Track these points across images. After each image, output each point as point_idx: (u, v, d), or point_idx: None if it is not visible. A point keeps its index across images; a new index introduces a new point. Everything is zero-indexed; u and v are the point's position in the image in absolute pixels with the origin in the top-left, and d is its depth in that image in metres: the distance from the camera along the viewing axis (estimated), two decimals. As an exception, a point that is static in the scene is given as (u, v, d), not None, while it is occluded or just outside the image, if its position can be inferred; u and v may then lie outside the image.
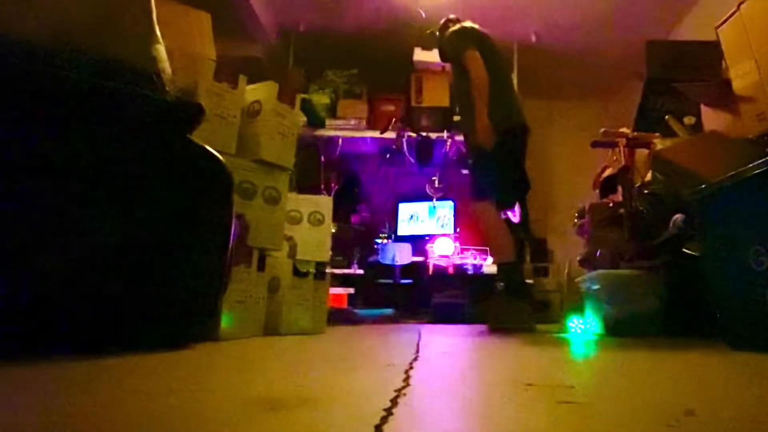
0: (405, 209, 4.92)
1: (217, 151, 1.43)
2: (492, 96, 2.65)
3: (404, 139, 4.44)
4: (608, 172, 3.08)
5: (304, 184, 3.91)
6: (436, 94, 4.55)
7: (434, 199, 4.73)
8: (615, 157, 2.91)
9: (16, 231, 1.07)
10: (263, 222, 2.02)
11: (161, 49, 1.35)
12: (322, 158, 4.54)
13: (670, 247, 2.34)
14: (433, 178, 4.70)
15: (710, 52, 2.49)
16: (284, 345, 1.75)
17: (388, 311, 3.91)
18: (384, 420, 0.57)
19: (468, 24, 2.96)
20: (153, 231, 1.25)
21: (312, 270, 2.29)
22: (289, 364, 1.27)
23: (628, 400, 0.79)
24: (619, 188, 2.89)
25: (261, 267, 1.99)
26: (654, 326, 2.24)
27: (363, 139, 4.57)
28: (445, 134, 4.43)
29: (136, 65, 1.27)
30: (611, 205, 3.03)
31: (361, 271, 4.36)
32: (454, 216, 4.71)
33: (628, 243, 2.60)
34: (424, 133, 4.39)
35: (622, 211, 2.75)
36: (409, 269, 4.52)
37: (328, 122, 4.46)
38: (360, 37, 4.53)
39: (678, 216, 2.29)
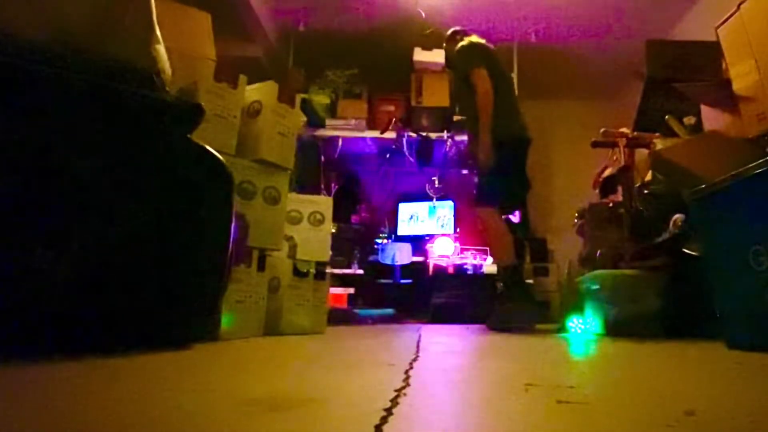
0: (405, 209, 4.92)
1: (217, 151, 1.43)
2: (497, 111, 2.79)
3: (404, 139, 4.44)
4: (608, 172, 3.08)
5: (304, 184, 3.91)
6: (436, 94, 4.54)
7: (434, 199, 4.73)
8: (615, 157, 2.91)
9: (14, 231, 1.07)
10: (263, 222, 2.02)
11: (161, 49, 1.35)
12: (322, 158, 4.54)
13: (670, 247, 2.34)
14: (433, 178, 4.70)
15: (710, 52, 2.49)
16: (284, 345, 1.75)
17: (388, 311, 3.90)
18: (384, 420, 0.57)
19: (475, 39, 3.08)
20: (153, 231, 1.25)
21: (312, 270, 2.28)
22: (289, 364, 1.27)
23: (628, 400, 0.79)
24: (619, 188, 2.89)
25: (261, 267, 1.99)
26: (654, 326, 2.24)
27: (363, 139, 4.57)
28: (445, 134, 4.42)
29: (136, 65, 1.27)
30: (611, 205, 3.03)
31: (361, 271, 4.36)
32: (454, 216, 4.71)
33: (628, 243, 2.60)
34: (424, 133, 4.39)
35: (622, 211, 2.75)
36: (409, 269, 4.51)
37: (328, 122, 4.46)
38: (360, 37, 4.53)
39: (678, 216, 2.29)
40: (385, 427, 0.55)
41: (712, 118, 2.41)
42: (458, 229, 4.64)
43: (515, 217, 3.22)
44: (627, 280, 2.39)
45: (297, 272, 2.21)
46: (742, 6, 2.06)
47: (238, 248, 1.79)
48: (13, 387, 0.79)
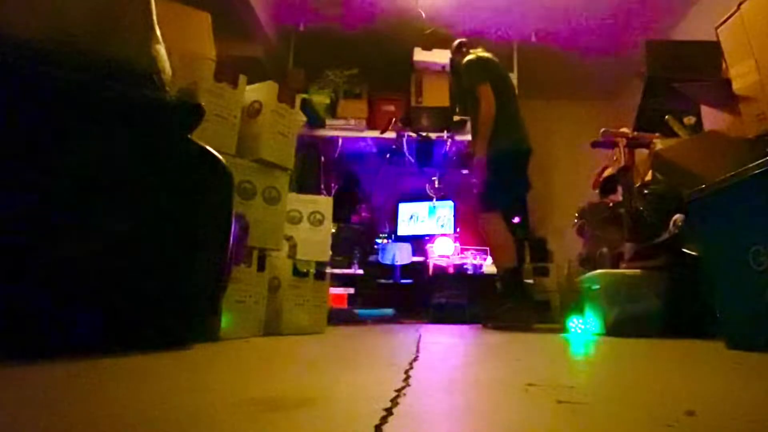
0: (405, 209, 4.92)
1: (217, 151, 1.43)
2: (500, 122, 2.97)
3: (404, 139, 4.44)
4: (608, 172, 3.08)
5: (304, 184, 3.92)
6: (436, 94, 4.54)
7: (434, 199, 4.73)
8: (615, 157, 2.91)
9: (14, 231, 1.07)
10: (263, 222, 2.02)
11: (161, 49, 1.35)
12: (322, 158, 4.54)
13: (670, 247, 2.34)
14: (433, 178, 4.71)
15: (710, 52, 2.49)
16: (284, 345, 1.75)
17: (388, 311, 3.90)
18: (384, 420, 0.57)
19: (481, 53, 3.22)
20: (152, 231, 1.25)
21: (312, 270, 2.28)
22: (289, 364, 1.27)
23: (629, 400, 0.79)
24: (619, 188, 2.89)
25: (261, 267, 1.99)
26: (654, 326, 2.24)
27: (363, 139, 4.57)
28: (445, 134, 4.43)
29: (136, 65, 1.27)
30: (611, 205, 3.03)
31: (361, 271, 4.36)
32: (454, 216, 4.71)
33: (628, 243, 2.60)
34: (424, 133, 4.39)
35: (622, 211, 2.75)
36: (409, 269, 4.52)
37: (328, 122, 4.46)
38: (360, 37, 4.53)
39: (678, 216, 2.29)
40: (385, 427, 0.55)
41: (712, 118, 2.41)
42: (458, 229, 4.64)
43: (515, 218, 3.25)
44: (627, 280, 2.39)
45: (297, 272, 2.21)
46: (742, 6, 2.05)
47: (238, 248, 1.79)
48: (14, 387, 0.79)
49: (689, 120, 2.57)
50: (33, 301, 1.07)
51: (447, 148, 4.51)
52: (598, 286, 2.48)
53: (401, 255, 4.46)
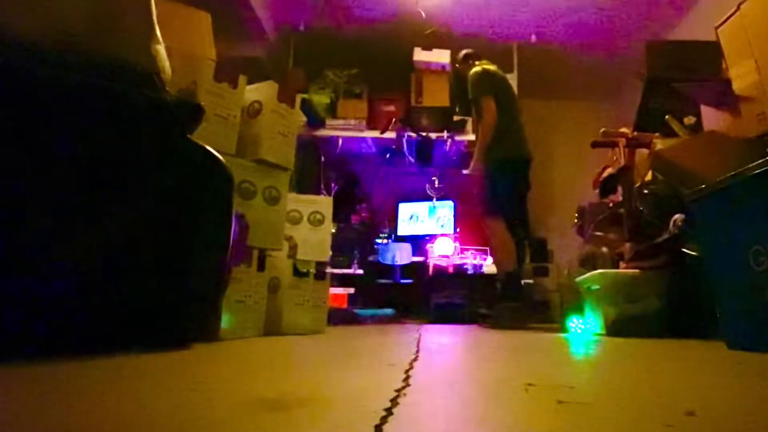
0: (405, 209, 4.92)
1: (217, 151, 1.43)
2: (502, 133, 3.16)
3: (404, 139, 4.44)
4: (608, 172, 3.08)
5: (304, 184, 3.91)
6: (436, 94, 4.54)
7: (434, 199, 4.73)
8: (615, 157, 2.91)
9: (13, 231, 1.07)
10: (263, 222, 2.02)
11: (161, 49, 1.35)
12: (322, 158, 4.54)
13: (670, 247, 2.34)
14: (433, 178, 4.70)
15: (710, 52, 2.48)
16: (284, 345, 1.75)
17: (388, 311, 3.90)
18: (384, 420, 0.57)
19: (487, 65, 3.36)
20: (152, 231, 1.25)
21: (312, 270, 2.28)
22: (289, 364, 1.27)
23: (629, 401, 0.79)
24: (619, 188, 2.89)
25: (261, 267, 1.99)
26: (654, 326, 2.24)
27: (363, 139, 4.57)
28: (445, 134, 4.42)
29: (136, 65, 1.27)
30: (611, 205, 3.03)
31: (361, 271, 4.36)
32: (454, 216, 4.71)
33: (628, 243, 2.60)
34: (424, 133, 4.39)
35: (622, 211, 2.75)
36: (409, 269, 4.51)
37: (328, 122, 4.45)
38: (360, 37, 4.53)
39: (678, 216, 2.29)
40: (385, 427, 0.55)
41: (712, 118, 2.41)
42: (458, 229, 4.64)
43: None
44: (627, 280, 2.39)
45: (297, 272, 2.21)
46: (742, 6, 2.05)
47: (238, 248, 1.79)
48: (13, 387, 0.79)
49: (689, 120, 2.57)
50: (33, 300, 1.07)
51: (447, 148, 4.51)
52: (598, 286, 2.48)
53: (401, 255, 4.46)
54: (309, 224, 2.50)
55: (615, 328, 2.31)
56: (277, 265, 2.14)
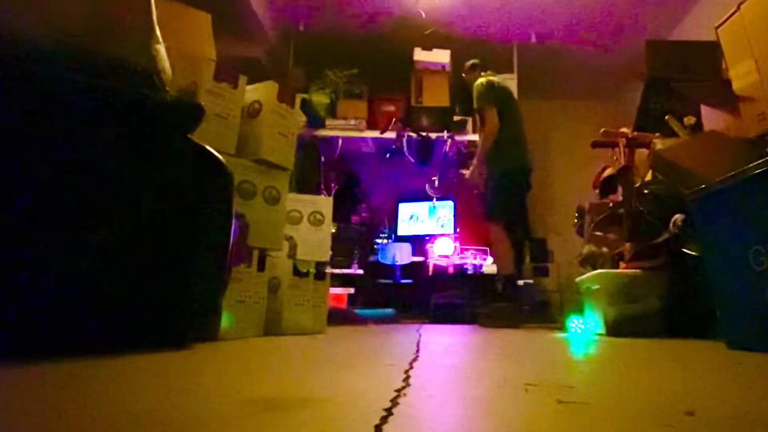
0: (405, 209, 4.91)
1: (217, 151, 1.43)
2: (503, 143, 3.35)
3: (404, 139, 4.44)
4: (608, 172, 3.09)
5: (304, 184, 3.91)
6: (436, 94, 4.54)
7: (434, 199, 4.73)
8: (615, 157, 2.91)
9: (13, 231, 1.07)
10: (263, 222, 2.02)
11: (161, 49, 1.35)
12: (322, 158, 4.54)
13: (670, 247, 2.34)
14: (433, 178, 4.70)
15: (710, 52, 2.48)
16: (284, 345, 1.75)
17: (388, 311, 3.90)
18: (384, 420, 0.57)
19: (491, 77, 3.53)
20: (153, 231, 1.25)
21: (312, 270, 2.28)
22: (289, 364, 1.27)
23: (629, 401, 0.79)
24: (619, 188, 2.89)
25: (261, 267, 1.99)
26: (654, 326, 2.24)
27: (363, 139, 4.57)
28: (445, 134, 4.42)
29: (136, 65, 1.27)
30: (611, 205, 3.03)
31: (361, 271, 4.36)
32: (454, 216, 4.71)
33: (628, 243, 2.60)
34: (424, 133, 4.39)
35: (622, 211, 2.75)
36: (409, 269, 4.51)
37: (328, 122, 4.45)
38: (360, 37, 4.53)
39: (678, 216, 2.28)
40: (385, 427, 0.55)
41: (712, 118, 2.41)
42: (458, 229, 4.64)
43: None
44: (627, 280, 2.39)
45: (297, 272, 2.21)
46: (742, 6, 2.05)
47: (238, 248, 1.79)
48: (14, 387, 0.79)
49: (689, 120, 2.56)
50: (33, 300, 1.07)
51: (447, 148, 4.51)
52: (598, 286, 2.48)
53: (401, 255, 4.45)
54: (309, 224, 2.50)
55: (615, 328, 2.31)
56: (277, 265, 2.14)
